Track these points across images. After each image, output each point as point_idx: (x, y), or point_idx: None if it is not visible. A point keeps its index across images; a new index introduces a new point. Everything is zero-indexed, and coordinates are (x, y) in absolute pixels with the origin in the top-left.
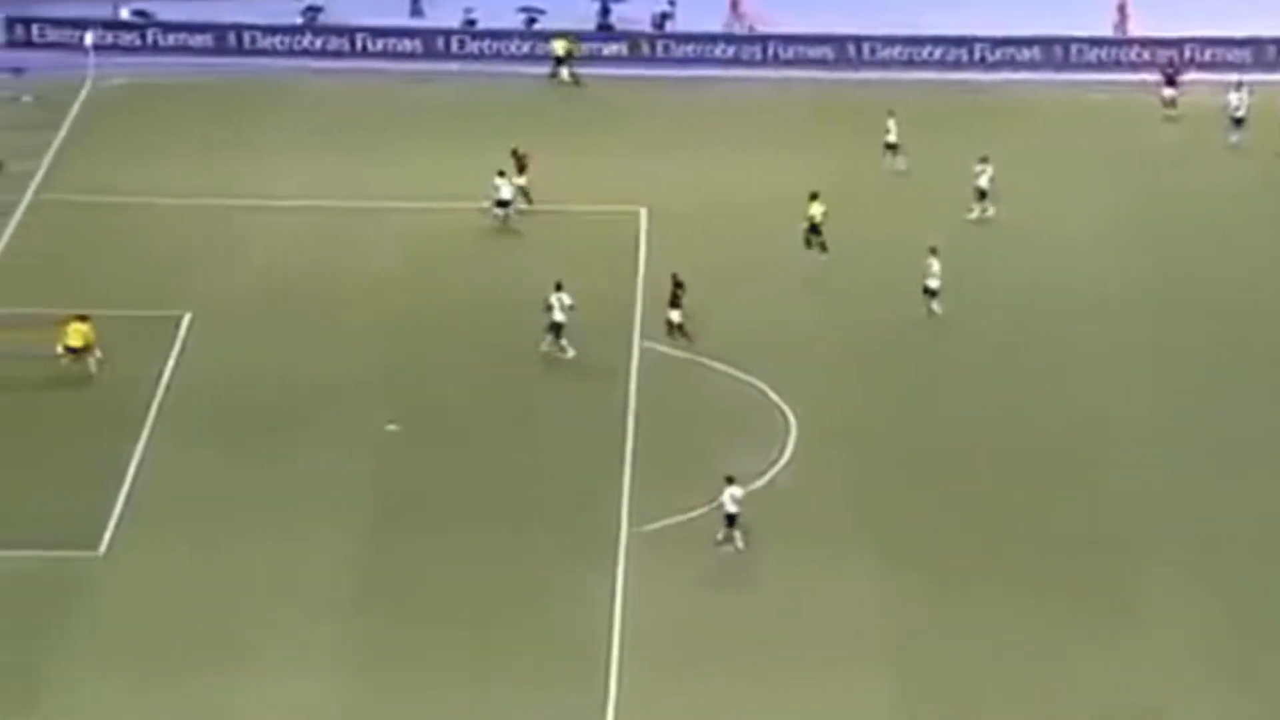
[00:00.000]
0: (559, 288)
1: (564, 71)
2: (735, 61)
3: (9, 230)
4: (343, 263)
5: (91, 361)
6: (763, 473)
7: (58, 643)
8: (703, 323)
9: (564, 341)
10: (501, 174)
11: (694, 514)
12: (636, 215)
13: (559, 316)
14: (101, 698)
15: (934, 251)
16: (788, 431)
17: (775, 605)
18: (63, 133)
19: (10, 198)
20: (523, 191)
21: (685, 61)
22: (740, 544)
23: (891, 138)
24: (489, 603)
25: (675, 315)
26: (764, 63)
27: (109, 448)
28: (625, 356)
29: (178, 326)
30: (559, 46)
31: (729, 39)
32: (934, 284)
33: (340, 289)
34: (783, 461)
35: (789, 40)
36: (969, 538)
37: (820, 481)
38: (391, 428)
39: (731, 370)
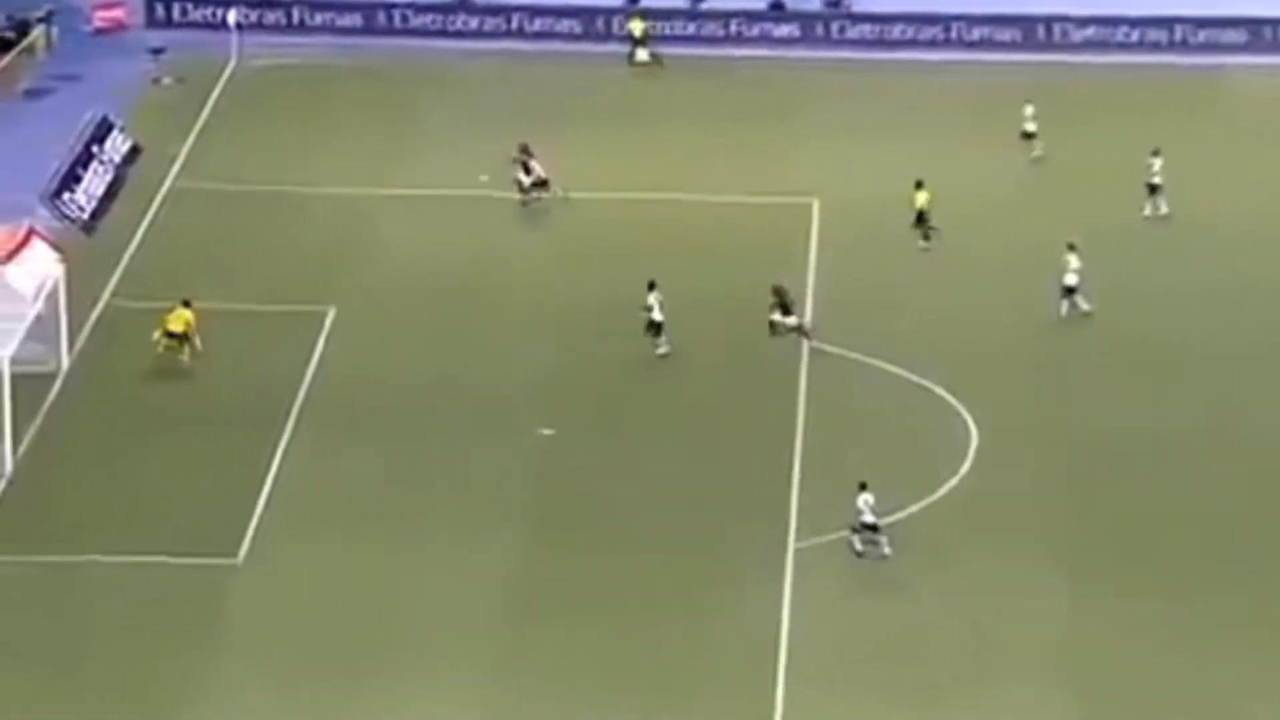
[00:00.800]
0: (652, 286)
1: (641, 53)
2: (914, 43)
3: (146, 220)
4: (495, 255)
5: (188, 349)
6: (943, 481)
7: (196, 654)
8: (876, 322)
9: (662, 339)
10: (527, 153)
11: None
12: (809, 207)
13: (658, 315)
14: (242, 710)
15: (1072, 248)
16: (968, 438)
17: (950, 621)
18: (204, 117)
19: (148, 185)
20: (518, 184)
21: (861, 43)
22: (859, 547)
23: (1029, 126)
24: (651, 614)
25: (788, 320)
26: (947, 44)
27: (249, 450)
28: (794, 358)
29: (321, 323)
30: (635, 27)
31: (909, 19)
32: (1072, 281)
33: (493, 283)
34: (964, 469)
35: (975, 21)
36: (1157, 552)
37: (1002, 491)
38: (546, 432)
39: (905, 373)
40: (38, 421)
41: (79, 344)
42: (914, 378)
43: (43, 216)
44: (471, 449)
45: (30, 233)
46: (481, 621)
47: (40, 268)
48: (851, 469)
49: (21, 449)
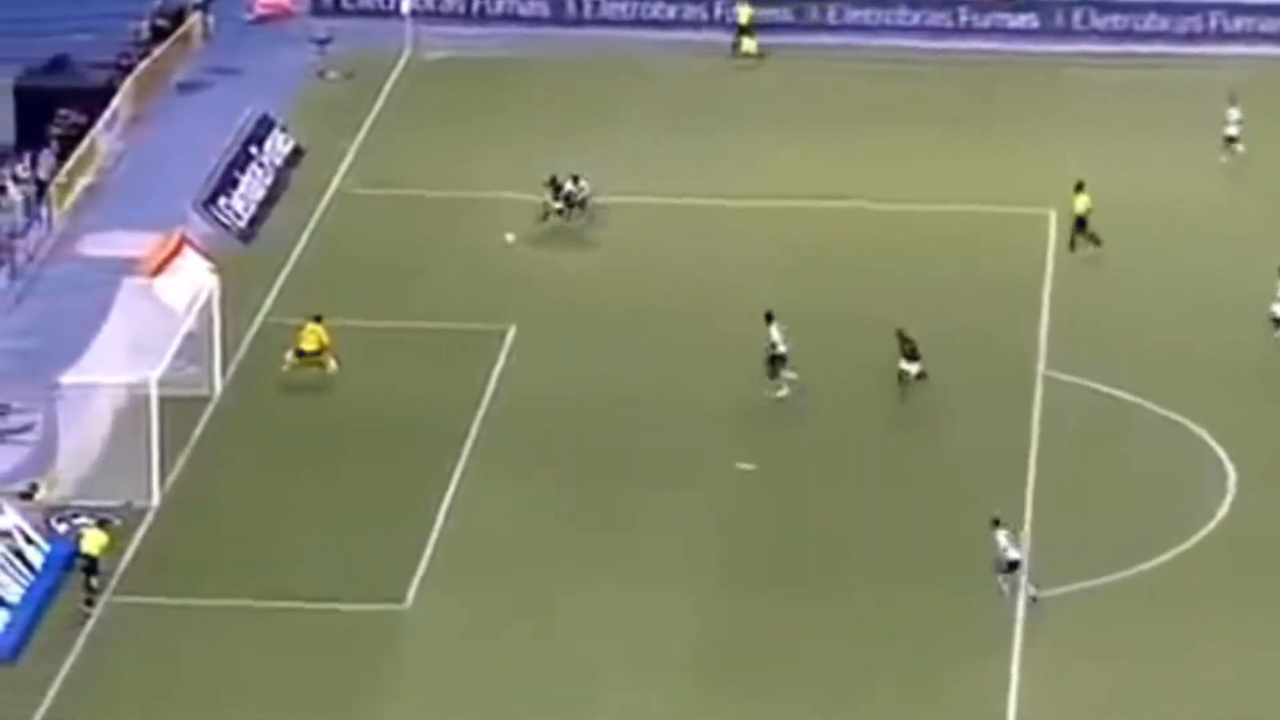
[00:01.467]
0: (770, 319)
1: (748, 42)
2: (1168, 36)
3: (309, 227)
4: (689, 267)
5: (329, 365)
6: (1200, 525)
7: (356, 708)
8: (1117, 347)
9: (785, 374)
10: (574, 179)
11: (1106, 579)
12: (1045, 219)
13: (781, 349)
14: None
15: None
16: (1224, 481)
17: (1200, 686)
18: (373, 115)
19: (312, 189)
20: (545, 203)
21: (1108, 35)
22: (1004, 589)
23: (1231, 130)
24: (858, 681)
25: (911, 366)
26: (1204, 37)
27: (419, 482)
28: (1027, 388)
29: (501, 342)
30: (743, 13)
31: (1162, 8)
32: None
33: (687, 298)
34: (1220, 515)
35: (1234, 10)
36: None
37: (1267, 536)
38: (745, 467)
39: (1151, 404)
40: (188, 449)
41: (234, 364)
42: (1161, 409)
43: (196, 224)
44: (661, 485)
45: (182, 241)
46: (667, 684)
47: (193, 280)
48: (1092, 512)
49: (170, 479)
